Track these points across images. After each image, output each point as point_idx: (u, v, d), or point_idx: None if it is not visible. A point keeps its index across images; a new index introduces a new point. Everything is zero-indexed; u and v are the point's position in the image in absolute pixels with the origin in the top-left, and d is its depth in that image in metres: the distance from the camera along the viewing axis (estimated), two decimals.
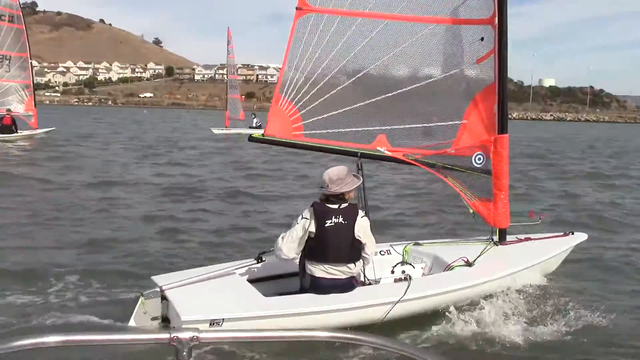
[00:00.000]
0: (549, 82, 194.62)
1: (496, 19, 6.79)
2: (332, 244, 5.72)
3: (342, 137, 7.52)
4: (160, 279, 5.90)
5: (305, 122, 7.67)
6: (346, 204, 5.83)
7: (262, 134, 7.82)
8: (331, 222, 5.71)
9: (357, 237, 5.79)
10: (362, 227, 5.85)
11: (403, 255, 7.00)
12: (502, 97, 7.00)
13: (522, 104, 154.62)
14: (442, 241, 7.87)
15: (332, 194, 5.80)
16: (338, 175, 5.81)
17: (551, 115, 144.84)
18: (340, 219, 5.73)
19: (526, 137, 45.61)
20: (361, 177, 6.22)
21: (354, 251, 5.83)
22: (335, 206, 5.77)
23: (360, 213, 5.88)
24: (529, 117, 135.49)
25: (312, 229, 5.72)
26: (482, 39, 6.92)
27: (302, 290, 5.97)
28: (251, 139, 7.96)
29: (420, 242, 7.46)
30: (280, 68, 7.94)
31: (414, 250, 7.12)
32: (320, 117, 7.62)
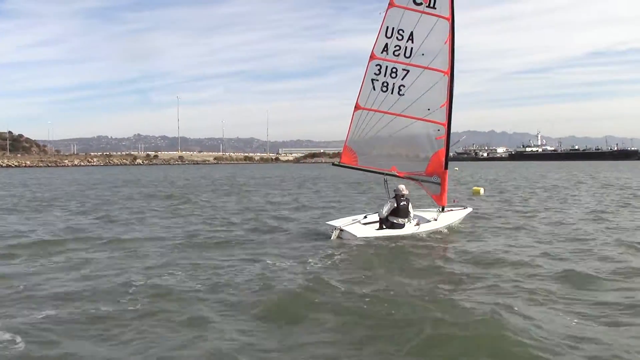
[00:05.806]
0: None
1: (446, 122, 16.61)
2: (402, 211, 15.63)
3: (376, 165, 17.28)
4: (336, 222, 15.74)
5: (360, 157, 17.40)
6: (406, 198, 15.74)
7: (339, 162, 17.50)
8: (402, 204, 15.60)
9: (409, 209, 15.81)
10: (410, 206, 15.80)
11: None
12: (446, 154, 16.90)
13: None
14: (420, 211, 17.97)
15: (402, 193, 15.70)
16: (404, 187, 15.80)
17: None
18: (404, 203, 15.65)
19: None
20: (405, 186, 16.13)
21: (408, 214, 15.80)
22: (403, 197, 15.64)
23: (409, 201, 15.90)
24: None
25: (395, 205, 15.54)
26: (438, 130, 16.75)
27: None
28: (334, 164, 17.64)
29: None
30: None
31: None
32: (366, 156, 17.35)
